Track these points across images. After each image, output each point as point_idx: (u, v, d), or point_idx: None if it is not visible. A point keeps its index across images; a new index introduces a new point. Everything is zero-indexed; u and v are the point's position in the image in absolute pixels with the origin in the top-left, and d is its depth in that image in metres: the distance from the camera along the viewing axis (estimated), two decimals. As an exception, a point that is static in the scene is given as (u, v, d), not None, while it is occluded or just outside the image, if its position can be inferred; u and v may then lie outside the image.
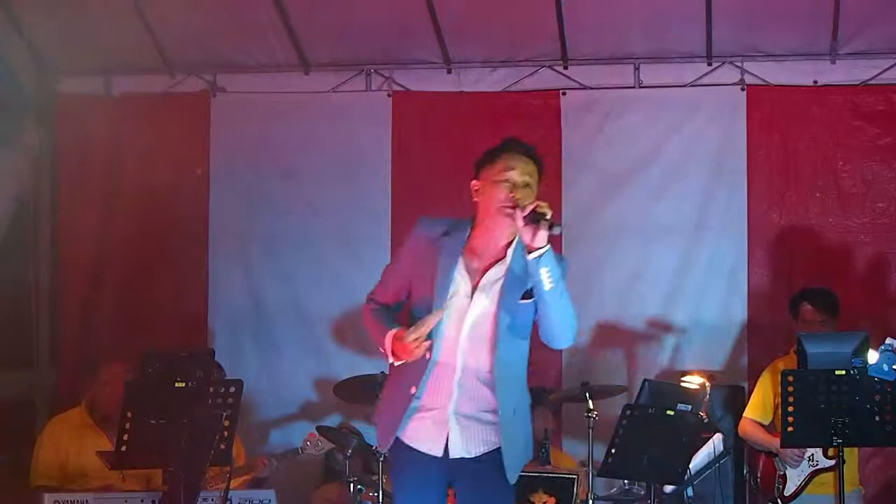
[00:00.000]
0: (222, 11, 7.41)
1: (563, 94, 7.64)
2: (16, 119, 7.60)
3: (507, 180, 4.16)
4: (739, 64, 7.51)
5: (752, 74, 7.50)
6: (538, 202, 4.04)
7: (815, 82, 7.47)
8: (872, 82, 7.41)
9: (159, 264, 7.79)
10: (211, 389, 5.18)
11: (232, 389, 5.23)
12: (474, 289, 4.19)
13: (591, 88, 7.66)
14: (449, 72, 7.76)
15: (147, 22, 7.47)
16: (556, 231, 4.00)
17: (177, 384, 5.09)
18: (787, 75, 7.49)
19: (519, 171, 4.17)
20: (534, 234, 4.00)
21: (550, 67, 7.68)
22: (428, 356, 4.16)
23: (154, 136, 7.67)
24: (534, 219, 4.00)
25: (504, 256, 4.21)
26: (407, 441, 4.27)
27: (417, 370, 4.19)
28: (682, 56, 7.56)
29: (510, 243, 4.22)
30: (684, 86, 7.58)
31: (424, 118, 7.72)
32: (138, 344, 6.80)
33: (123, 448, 5.14)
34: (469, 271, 4.21)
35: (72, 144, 7.86)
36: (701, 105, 7.56)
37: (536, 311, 4.15)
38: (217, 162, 7.82)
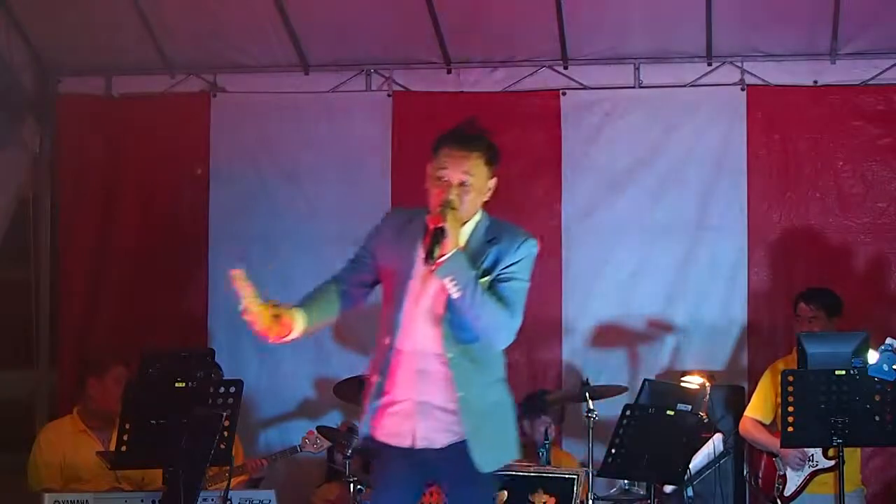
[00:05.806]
0: (222, 11, 7.41)
1: (563, 94, 7.63)
2: (16, 119, 7.60)
3: (439, 178, 4.12)
4: (739, 64, 7.51)
5: (752, 74, 7.49)
6: (440, 223, 3.97)
7: (815, 82, 7.47)
8: (872, 82, 7.40)
9: (159, 264, 7.78)
10: (211, 389, 5.19)
11: (232, 389, 5.24)
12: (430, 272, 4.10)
13: (591, 88, 7.65)
14: (449, 72, 7.76)
15: (147, 22, 7.47)
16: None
17: (177, 384, 5.09)
18: (787, 75, 7.49)
19: (452, 170, 4.11)
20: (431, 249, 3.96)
21: (550, 67, 7.67)
22: (388, 342, 4.12)
23: (154, 136, 7.67)
24: (434, 238, 3.97)
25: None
26: (380, 437, 4.20)
27: (380, 358, 4.16)
28: (682, 56, 7.56)
29: (464, 223, 4.13)
30: (684, 86, 7.57)
31: (424, 118, 7.71)
32: (138, 344, 6.80)
33: (123, 448, 5.14)
34: None
35: (72, 144, 7.87)
36: (701, 105, 7.55)
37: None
38: (217, 162, 7.81)
